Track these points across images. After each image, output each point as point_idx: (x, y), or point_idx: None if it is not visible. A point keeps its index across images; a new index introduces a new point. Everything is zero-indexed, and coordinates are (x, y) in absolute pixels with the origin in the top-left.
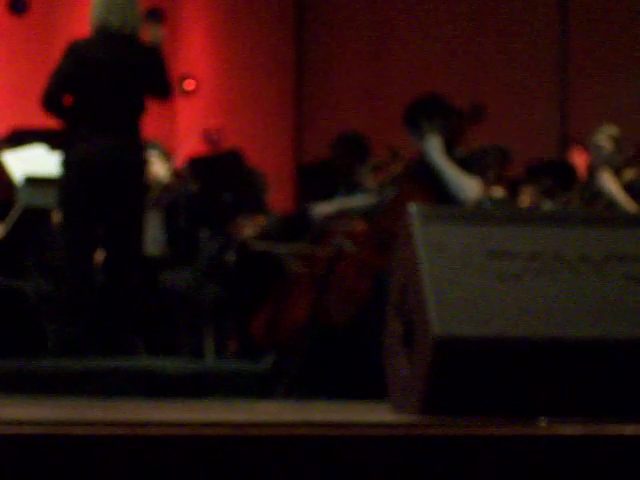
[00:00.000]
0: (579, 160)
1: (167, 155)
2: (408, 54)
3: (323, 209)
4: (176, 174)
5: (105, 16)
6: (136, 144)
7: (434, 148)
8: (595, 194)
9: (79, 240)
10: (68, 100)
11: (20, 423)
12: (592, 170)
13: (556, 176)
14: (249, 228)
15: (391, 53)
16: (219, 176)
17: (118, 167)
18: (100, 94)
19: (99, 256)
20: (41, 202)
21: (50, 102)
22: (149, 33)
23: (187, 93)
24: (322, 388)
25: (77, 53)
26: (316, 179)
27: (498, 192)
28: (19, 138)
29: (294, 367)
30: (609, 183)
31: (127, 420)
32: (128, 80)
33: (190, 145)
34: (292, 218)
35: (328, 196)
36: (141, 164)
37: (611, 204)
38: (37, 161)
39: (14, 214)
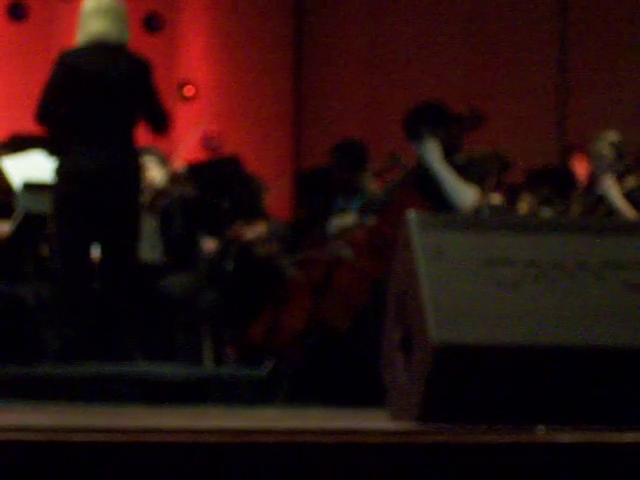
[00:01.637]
0: (581, 167)
1: (164, 160)
2: (407, 62)
3: (341, 222)
4: (173, 179)
5: (94, 26)
6: (130, 152)
7: (433, 154)
8: (595, 201)
9: (75, 248)
10: (61, 110)
11: (18, 429)
12: (592, 178)
13: (555, 183)
14: (250, 232)
15: (390, 61)
16: (217, 182)
17: (112, 176)
18: (92, 103)
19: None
20: (40, 208)
21: (45, 116)
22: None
23: (186, 99)
24: (320, 394)
25: (67, 63)
26: (315, 186)
27: (496, 199)
28: (18, 144)
29: (292, 373)
30: (612, 190)
31: (125, 426)
32: (119, 89)
33: (188, 150)
34: (294, 224)
35: (327, 203)
36: (135, 172)
37: (611, 211)
38: (36, 167)
39: (14, 220)
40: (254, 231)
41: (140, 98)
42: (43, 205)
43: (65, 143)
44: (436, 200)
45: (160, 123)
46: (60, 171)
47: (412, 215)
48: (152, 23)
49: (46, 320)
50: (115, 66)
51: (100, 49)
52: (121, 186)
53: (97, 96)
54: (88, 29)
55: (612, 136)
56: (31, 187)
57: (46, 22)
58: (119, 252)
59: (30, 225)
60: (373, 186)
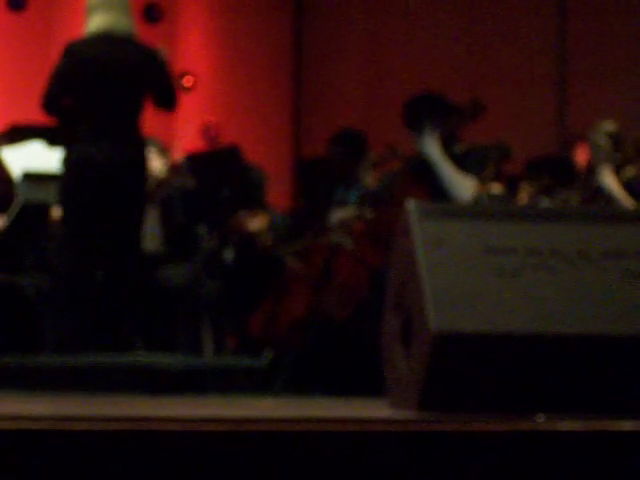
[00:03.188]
0: (583, 157)
1: (164, 151)
2: (406, 51)
3: (341, 215)
4: (173, 169)
5: (101, 18)
6: (136, 142)
7: (433, 145)
8: (595, 191)
9: (78, 237)
10: (67, 100)
11: (18, 418)
12: (591, 167)
13: (555, 173)
14: (254, 222)
15: (389, 49)
16: (217, 172)
17: (118, 166)
18: (99, 94)
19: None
20: (40, 198)
21: (50, 105)
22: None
23: (186, 89)
24: (320, 384)
25: (74, 53)
26: (315, 175)
27: (496, 189)
28: (17, 134)
29: (292, 363)
30: (609, 180)
31: (125, 416)
32: (126, 79)
33: (188, 140)
34: (294, 214)
35: (327, 192)
36: (141, 162)
37: (610, 201)
38: (35, 157)
39: (13, 210)
40: (255, 222)
41: (149, 86)
42: (42, 195)
43: (72, 133)
44: (434, 190)
45: (166, 98)
46: (67, 161)
47: (412, 204)
48: (151, 13)
49: (45, 310)
50: (123, 56)
51: (107, 40)
52: (128, 176)
53: (105, 86)
54: (95, 21)
55: (609, 126)
56: (30, 177)
57: (45, 13)
58: (122, 242)
59: (29, 215)
60: (371, 177)
